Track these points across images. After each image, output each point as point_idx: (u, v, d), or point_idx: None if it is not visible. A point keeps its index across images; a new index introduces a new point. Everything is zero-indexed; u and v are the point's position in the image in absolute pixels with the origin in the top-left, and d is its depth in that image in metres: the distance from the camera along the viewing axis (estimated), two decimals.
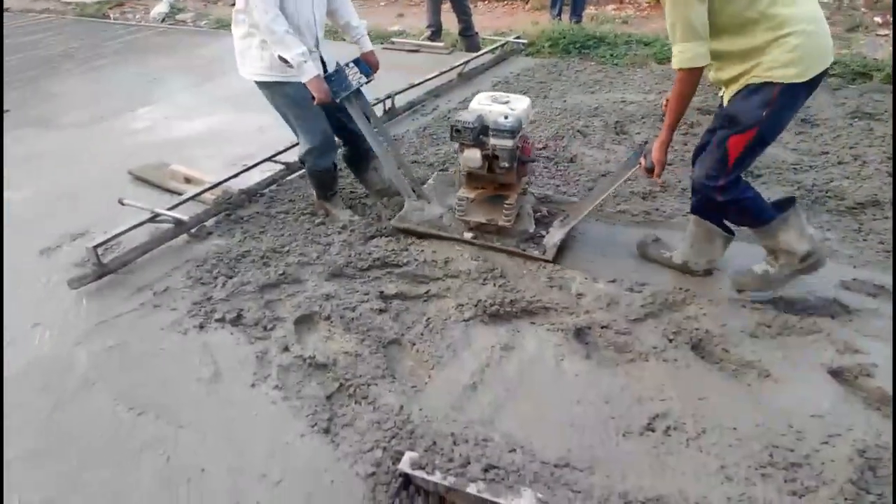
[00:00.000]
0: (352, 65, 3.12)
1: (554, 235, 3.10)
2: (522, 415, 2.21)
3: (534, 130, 4.45)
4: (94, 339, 2.65)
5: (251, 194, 3.69)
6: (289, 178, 3.95)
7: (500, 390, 2.32)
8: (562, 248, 3.07)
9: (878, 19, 7.22)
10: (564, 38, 6.55)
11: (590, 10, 7.97)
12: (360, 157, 3.54)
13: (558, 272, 2.92)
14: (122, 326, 2.72)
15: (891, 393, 2.17)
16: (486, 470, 1.94)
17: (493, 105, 2.96)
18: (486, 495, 1.80)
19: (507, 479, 1.91)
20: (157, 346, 2.59)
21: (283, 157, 3.96)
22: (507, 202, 3.08)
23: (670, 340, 2.48)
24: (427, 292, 2.86)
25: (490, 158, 2.97)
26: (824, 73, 2.34)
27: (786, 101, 2.30)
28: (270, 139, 4.33)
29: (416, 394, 2.32)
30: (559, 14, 7.43)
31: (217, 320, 2.69)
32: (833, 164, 3.83)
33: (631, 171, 2.84)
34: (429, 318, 2.68)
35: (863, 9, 7.62)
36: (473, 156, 2.95)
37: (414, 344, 2.55)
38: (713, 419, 2.13)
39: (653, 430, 2.11)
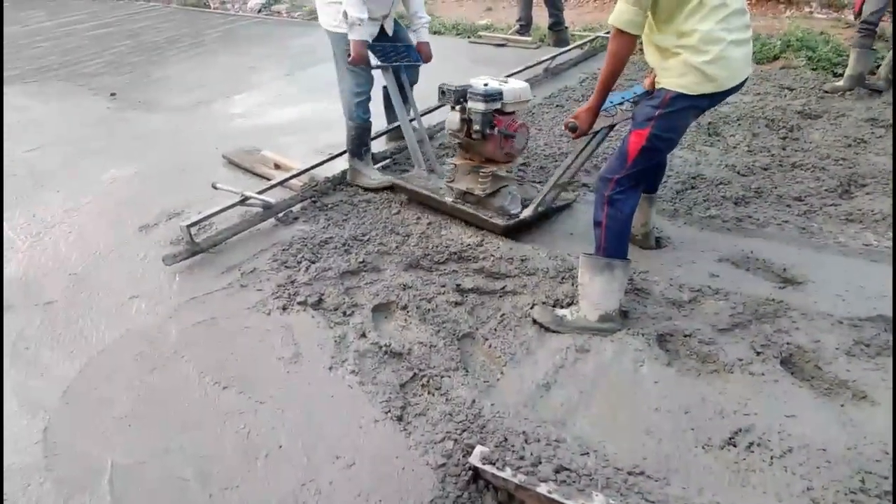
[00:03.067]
0: (402, 48, 3.63)
1: (525, 211, 3.26)
2: (596, 418, 2.17)
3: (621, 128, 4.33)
4: (185, 313, 2.79)
5: (336, 182, 3.78)
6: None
7: (573, 392, 2.29)
8: (646, 251, 3.00)
9: None
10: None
11: None
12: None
13: (641, 276, 2.85)
14: (210, 303, 2.85)
15: None
16: (557, 471, 1.91)
17: (484, 78, 3.21)
18: (556, 496, 1.78)
19: (578, 483, 1.88)
20: (243, 325, 2.69)
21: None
22: (482, 171, 3.26)
23: (758, 353, 2.37)
24: (503, 288, 2.85)
25: (467, 122, 3.16)
26: (734, 90, 2.43)
27: (679, 105, 2.39)
28: None
29: (489, 389, 2.32)
30: None
31: (299, 303, 2.77)
32: None
33: (593, 146, 3.01)
34: (503, 315, 2.67)
35: None
36: (454, 118, 3.20)
37: (487, 339, 2.55)
38: (801, 438, 2.03)
39: (734, 445, 2.03)
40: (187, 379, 2.42)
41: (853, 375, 2.25)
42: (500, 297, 2.82)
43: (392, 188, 3.67)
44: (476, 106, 3.07)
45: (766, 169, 3.74)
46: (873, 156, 3.86)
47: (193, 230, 3.20)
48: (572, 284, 2.79)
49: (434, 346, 2.49)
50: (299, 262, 3.04)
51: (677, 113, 2.42)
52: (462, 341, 2.56)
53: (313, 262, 3.03)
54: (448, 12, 8.61)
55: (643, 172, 2.55)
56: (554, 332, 2.59)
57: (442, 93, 3.17)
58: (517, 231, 3.22)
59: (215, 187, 3.54)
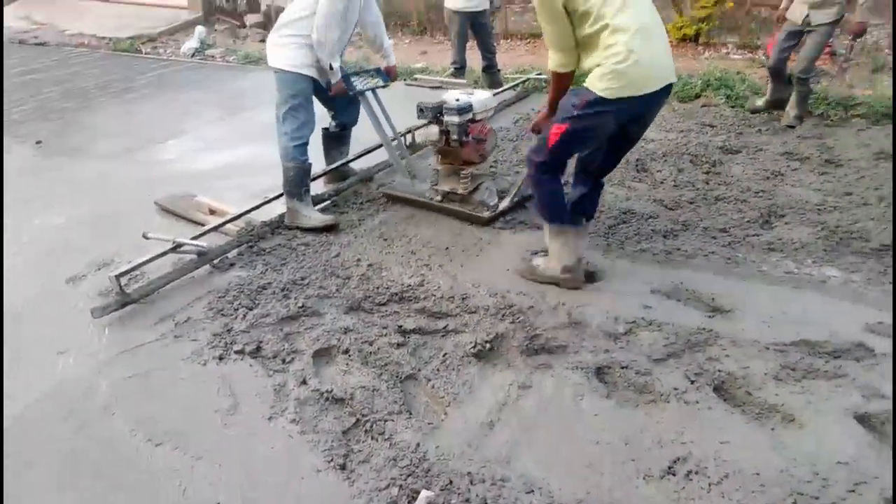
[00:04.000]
0: (373, 71, 4.07)
1: (502, 203, 3.81)
2: (540, 455, 2.18)
3: None
4: (116, 367, 2.68)
5: (273, 226, 3.75)
6: None
7: (517, 429, 2.30)
8: (588, 278, 3.12)
9: None
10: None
11: None
12: (339, 138, 4.33)
13: (578, 309, 2.91)
14: (143, 356, 2.75)
15: None
16: None
17: (456, 93, 3.73)
18: None
19: None
20: (177, 377, 2.61)
21: None
22: (463, 173, 3.76)
23: (692, 382, 2.44)
24: (445, 327, 2.85)
25: (445, 133, 3.67)
26: (655, 96, 2.68)
27: (597, 109, 2.67)
28: None
29: (433, 431, 2.30)
30: None
31: (237, 352, 2.71)
32: (857, 205, 3.80)
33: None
34: (445, 354, 2.67)
35: (886, 50, 7.61)
36: (433, 130, 3.72)
37: (430, 380, 2.54)
38: (735, 464, 2.09)
39: (673, 474, 2.07)
40: (118, 436, 2.32)
41: (781, 399, 2.34)
42: (443, 336, 2.82)
43: (331, 228, 3.71)
44: (452, 119, 3.60)
45: (691, 202, 3.91)
46: (790, 187, 4.09)
47: (124, 280, 3.10)
48: (513, 321, 2.83)
49: (377, 389, 2.47)
50: (236, 310, 2.98)
51: (595, 115, 2.69)
52: (405, 383, 2.54)
53: (251, 309, 2.97)
54: None
55: (561, 162, 2.93)
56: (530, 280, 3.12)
57: (421, 110, 3.66)
58: (497, 219, 3.77)
59: (146, 237, 3.45)
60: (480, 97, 3.73)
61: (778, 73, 5.35)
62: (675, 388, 2.41)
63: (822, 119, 5.37)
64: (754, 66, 7.14)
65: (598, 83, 2.63)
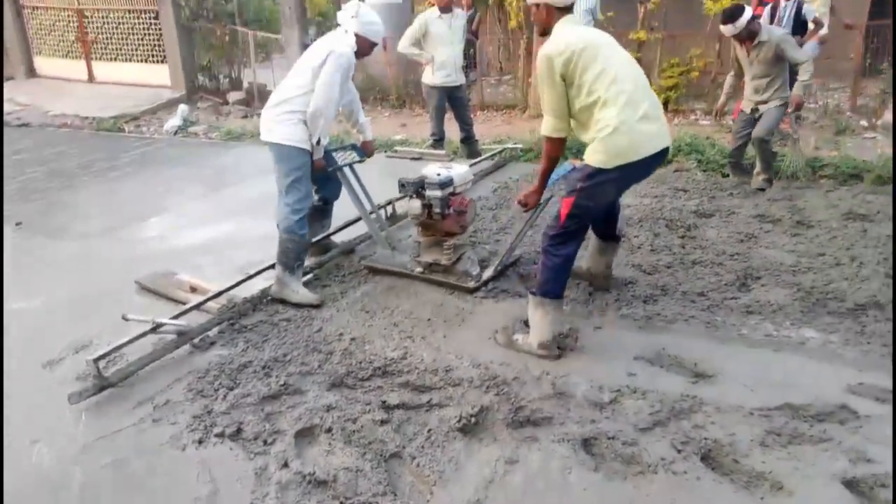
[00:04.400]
0: (349, 148, 4.15)
1: (486, 272, 3.86)
2: None
3: (533, 234, 4.53)
4: (92, 455, 2.61)
5: (255, 302, 3.73)
6: None
7: None
8: (564, 351, 3.11)
9: (863, 122, 7.49)
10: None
11: None
12: (321, 212, 4.33)
13: (562, 379, 2.90)
14: (120, 442, 2.68)
15: None
16: None
17: (435, 168, 3.82)
18: None
19: None
20: (155, 464, 2.54)
21: None
22: (446, 244, 3.84)
23: (679, 451, 2.43)
24: (429, 401, 2.83)
25: (427, 207, 3.73)
26: (652, 160, 2.96)
27: (597, 179, 2.93)
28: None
29: None
30: None
31: (217, 435, 2.65)
32: (831, 265, 3.88)
33: (536, 214, 3.57)
34: (430, 430, 2.64)
35: (848, 113, 7.93)
36: (415, 205, 3.77)
37: (415, 458, 2.49)
38: None
39: None
40: None
41: (769, 466, 2.32)
42: (427, 410, 2.79)
43: (315, 307, 3.68)
44: (434, 193, 3.69)
45: (669, 267, 3.97)
46: (764, 249, 4.18)
47: (102, 363, 3.05)
48: (497, 393, 2.81)
49: (360, 470, 2.42)
50: (216, 390, 2.93)
51: (597, 185, 2.95)
52: (389, 462, 2.49)
53: (231, 389, 2.93)
54: None
55: (573, 232, 3.06)
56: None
57: (402, 185, 3.74)
58: (480, 288, 3.78)
59: (125, 319, 3.41)
60: (459, 171, 3.86)
61: (737, 165, 5.63)
62: (663, 459, 2.39)
63: (790, 181, 5.54)
64: (722, 130, 7.39)
65: (594, 156, 2.91)
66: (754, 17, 5.15)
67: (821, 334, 3.17)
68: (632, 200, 5.19)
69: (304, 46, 10.66)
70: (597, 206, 3.07)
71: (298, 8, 10.88)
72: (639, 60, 8.38)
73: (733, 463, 2.37)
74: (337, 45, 3.71)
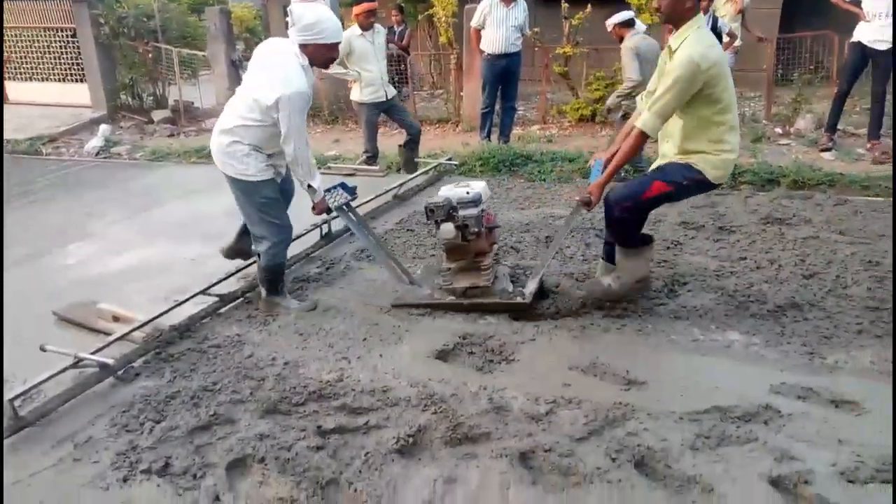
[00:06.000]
0: (339, 187, 3.87)
1: (528, 286, 3.65)
2: None
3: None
4: (8, 501, 2.44)
5: (182, 330, 3.60)
6: (223, 309, 3.88)
7: None
8: (507, 361, 3.11)
9: (778, 130, 7.88)
10: (494, 157, 6.86)
11: (517, 131, 8.44)
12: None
13: (499, 393, 2.91)
14: (38, 485, 2.52)
15: (829, 499, 2.19)
16: None
17: (455, 188, 3.65)
18: None
19: None
20: None
21: (218, 289, 3.92)
22: (483, 265, 3.64)
23: (613, 460, 2.46)
24: (366, 423, 2.78)
25: (461, 228, 3.48)
26: None
27: (697, 186, 3.32)
28: (206, 270, 4.29)
29: None
30: (488, 135, 7.82)
31: (143, 471, 2.53)
32: (752, 269, 4.04)
33: (576, 220, 3.68)
34: (368, 453, 2.59)
35: (764, 121, 8.34)
36: (448, 228, 3.48)
37: (352, 483, 2.44)
38: None
39: None
40: None
41: (699, 470, 2.38)
42: (364, 433, 2.74)
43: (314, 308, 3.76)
44: (470, 212, 3.50)
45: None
46: (689, 255, 4.32)
47: (17, 402, 2.87)
48: (435, 412, 2.79)
49: (296, 500, 2.35)
50: (142, 424, 2.80)
51: (694, 189, 3.36)
52: (326, 490, 2.43)
53: (158, 423, 2.80)
54: None
55: (647, 210, 3.39)
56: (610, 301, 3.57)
57: (431, 210, 3.50)
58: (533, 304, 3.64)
59: (44, 350, 3.23)
60: (479, 186, 3.68)
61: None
62: (598, 468, 2.42)
63: None
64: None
65: (712, 170, 3.22)
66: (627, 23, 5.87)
67: (744, 336, 3.30)
68: (563, 211, 5.28)
69: (232, 63, 10.54)
70: (676, 201, 3.68)
71: (224, 24, 10.67)
72: (566, 74, 8.58)
73: (666, 468, 2.42)
74: (283, 85, 3.33)
